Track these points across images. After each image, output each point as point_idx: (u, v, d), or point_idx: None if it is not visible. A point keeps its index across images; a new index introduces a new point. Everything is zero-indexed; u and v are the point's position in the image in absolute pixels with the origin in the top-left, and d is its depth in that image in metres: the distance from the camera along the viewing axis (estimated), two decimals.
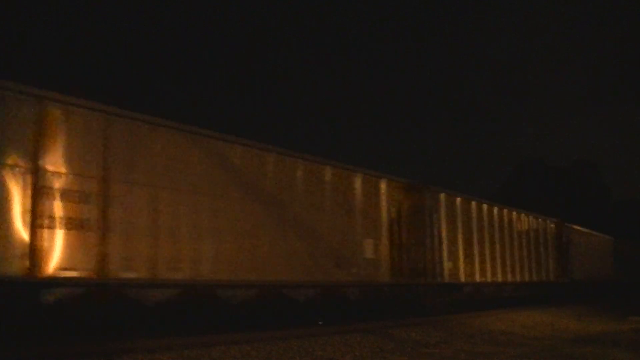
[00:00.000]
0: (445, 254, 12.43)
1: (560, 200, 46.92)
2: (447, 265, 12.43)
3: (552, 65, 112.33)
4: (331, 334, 8.09)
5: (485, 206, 14.57)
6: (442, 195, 12.70)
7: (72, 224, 6.23)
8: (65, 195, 6.22)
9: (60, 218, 6.14)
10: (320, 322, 9.74)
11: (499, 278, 14.74)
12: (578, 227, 22.18)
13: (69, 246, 6.18)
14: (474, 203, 14.03)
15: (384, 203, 10.95)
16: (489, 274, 14.20)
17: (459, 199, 13.36)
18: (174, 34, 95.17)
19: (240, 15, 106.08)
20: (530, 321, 12.38)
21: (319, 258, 9.24)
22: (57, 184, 6.20)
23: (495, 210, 15.04)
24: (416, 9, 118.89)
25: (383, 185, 11.02)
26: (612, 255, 27.22)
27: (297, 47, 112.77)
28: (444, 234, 12.47)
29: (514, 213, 16.14)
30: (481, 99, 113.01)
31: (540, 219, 18.18)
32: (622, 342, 9.05)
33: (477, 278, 13.67)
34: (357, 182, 10.37)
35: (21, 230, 5.88)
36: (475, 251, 13.72)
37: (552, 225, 19.20)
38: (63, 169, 6.29)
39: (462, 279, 13.04)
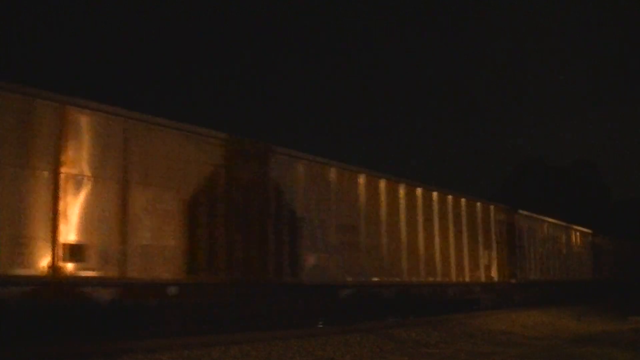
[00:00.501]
0: (304, 244, 9.08)
1: (560, 200, 46.91)
2: (308, 259, 9.19)
3: (552, 65, 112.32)
4: (331, 334, 8.10)
5: (383, 182, 10.90)
6: (302, 164, 9.30)
7: None
8: None
9: None
10: (320, 324, 9.73)
11: (406, 277, 11.28)
12: (538, 216, 18.35)
13: None
14: (362, 177, 10.44)
15: (179, 168, 7.47)
16: (389, 273, 10.83)
17: (333, 170, 9.86)
18: (173, 34, 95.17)
19: (239, 15, 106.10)
20: (530, 321, 12.39)
21: (36, 241, 6.10)
22: None
23: (403, 188, 11.38)
24: (416, 8, 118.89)
25: (175, 143, 7.49)
26: (591, 252, 23.31)
27: (296, 47, 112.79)
28: (301, 216, 9.11)
29: (436, 194, 12.46)
30: (481, 99, 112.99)
31: (480, 204, 14.37)
32: (622, 342, 9.06)
33: (368, 277, 10.35)
34: (114, 131, 6.89)
35: None
36: (364, 242, 10.28)
37: (501, 214, 15.33)
38: None
39: (338, 278, 9.73)
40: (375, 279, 10.55)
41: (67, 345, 5.90)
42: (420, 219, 11.86)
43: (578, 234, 22.25)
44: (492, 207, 15.04)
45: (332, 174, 9.92)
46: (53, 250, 6.15)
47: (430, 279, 12.02)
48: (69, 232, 6.35)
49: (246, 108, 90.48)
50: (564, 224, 20.79)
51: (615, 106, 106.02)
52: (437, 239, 12.33)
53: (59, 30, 76.91)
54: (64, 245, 6.25)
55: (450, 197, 13.07)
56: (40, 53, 70.04)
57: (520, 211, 16.89)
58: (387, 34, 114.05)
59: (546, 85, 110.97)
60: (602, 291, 23.78)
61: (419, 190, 11.96)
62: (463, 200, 13.57)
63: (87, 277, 6.42)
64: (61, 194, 6.32)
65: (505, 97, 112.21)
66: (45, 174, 6.25)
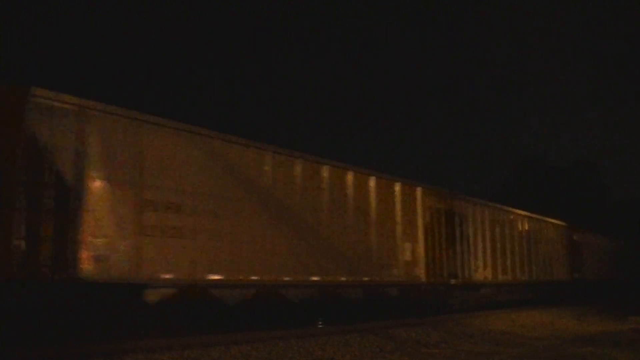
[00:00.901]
0: (83, 224, 6.56)
1: (560, 200, 46.92)
2: (90, 247, 6.54)
3: (552, 65, 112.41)
4: (331, 334, 8.10)
5: (236, 149, 8.34)
6: (78, 118, 6.68)
7: None
8: None
9: None
10: (320, 323, 9.74)
11: (268, 276, 8.46)
12: (490, 204, 15.10)
13: None
14: (197, 140, 7.86)
15: None
16: (236, 269, 8.03)
17: (140, 128, 7.20)
18: (173, 33, 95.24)
19: (239, 15, 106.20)
20: (530, 321, 12.39)
21: None
22: None
23: (270, 159, 8.81)
24: (416, 8, 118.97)
25: None
26: (568, 248, 20.03)
27: (296, 47, 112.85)
28: (77, 185, 6.58)
29: (327, 168, 9.72)
30: (481, 99, 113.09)
31: (400, 185, 11.37)
32: (622, 342, 9.05)
33: (201, 275, 7.59)
34: None
35: None
36: (193, 226, 7.57)
37: (434, 199, 12.40)
38: None
39: (147, 274, 6.98)
40: (214, 277, 7.81)
41: (67, 345, 5.91)
42: (297, 200, 9.17)
43: (550, 226, 18.90)
44: (419, 189, 11.96)
45: (141, 134, 7.26)
46: None
47: (314, 277, 9.22)
48: None
49: (246, 108, 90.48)
50: (527, 214, 17.41)
51: (615, 106, 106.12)
52: (325, 227, 9.58)
53: (58, 30, 76.91)
54: None
55: (350, 173, 10.23)
56: (39, 53, 70.06)
57: (463, 196, 13.62)
58: (387, 33, 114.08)
59: (546, 85, 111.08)
60: (582, 293, 20.74)
61: (297, 164, 9.20)
62: (373, 178, 10.72)
63: None
64: None
65: (505, 97, 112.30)
66: None
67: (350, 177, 10.24)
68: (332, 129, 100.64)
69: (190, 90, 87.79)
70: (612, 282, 25.52)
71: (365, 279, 10.25)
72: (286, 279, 8.77)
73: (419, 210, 11.87)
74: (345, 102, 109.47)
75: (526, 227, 17.06)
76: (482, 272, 13.98)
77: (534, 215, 17.85)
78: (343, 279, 9.75)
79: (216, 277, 7.82)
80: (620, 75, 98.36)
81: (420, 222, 11.84)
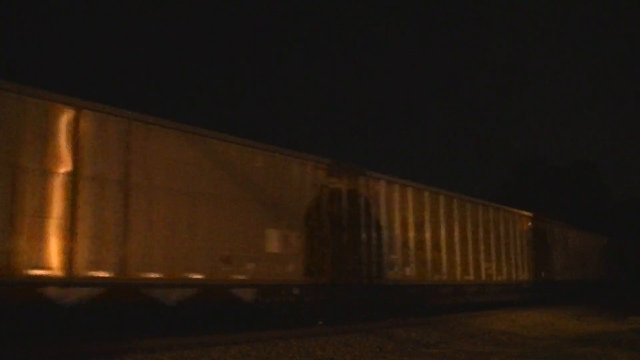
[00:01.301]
0: None
1: (560, 200, 46.91)
2: None
3: (552, 65, 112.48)
4: (331, 334, 8.11)
5: (64, 112, 6.50)
6: None
7: None
8: None
9: None
10: (320, 322, 9.73)
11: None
12: (415, 185, 11.81)
13: None
14: None
15: None
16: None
17: None
18: (173, 33, 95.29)
19: (239, 15, 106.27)
20: (530, 321, 12.39)
21: None
22: None
23: (113, 126, 6.99)
24: (416, 8, 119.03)
25: None
26: (532, 244, 16.89)
27: (296, 47, 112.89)
28: None
29: (158, 130, 7.45)
30: (481, 99, 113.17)
31: (264, 155, 8.84)
32: (622, 342, 9.05)
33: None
34: None
35: None
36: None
37: (326, 174, 9.79)
38: None
39: None
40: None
41: (67, 345, 5.91)
42: (112, 173, 6.90)
43: (508, 216, 15.72)
44: (297, 162, 9.36)
45: None
46: None
47: (101, 274, 6.56)
48: None
49: (246, 108, 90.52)
50: (473, 199, 14.35)
51: (615, 106, 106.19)
52: (118, 207, 6.88)
53: (58, 30, 76.94)
54: None
55: (175, 135, 7.65)
56: (39, 53, 70.11)
57: (373, 173, 10.69)
58: (387, 34, 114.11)
59: (546, 85, 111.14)
60: (550, 297, 17.50)
61: (111, 123, 6.95)
62: (220, 146, 8.18)
63: None
64: None
65: (505, 97, 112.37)
66: None
67: (170, 142, 7.59)
68: (333, 129, 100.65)
69: (190, 90, 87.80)
70: (594, 284, 23.01)
71: (197, 276, 7.65)
72: (55, 274, 6.20)
73: (298, 188, 9.27)
74: (345, 102, 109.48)
75: (472, 216, 13.83)
76: (400, 270, 11.07)
77: (484, 203, 14.86)
78: (154, 275, 7.16)
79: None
80: (620, 75, 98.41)
81: (298, 203, 9.27)
